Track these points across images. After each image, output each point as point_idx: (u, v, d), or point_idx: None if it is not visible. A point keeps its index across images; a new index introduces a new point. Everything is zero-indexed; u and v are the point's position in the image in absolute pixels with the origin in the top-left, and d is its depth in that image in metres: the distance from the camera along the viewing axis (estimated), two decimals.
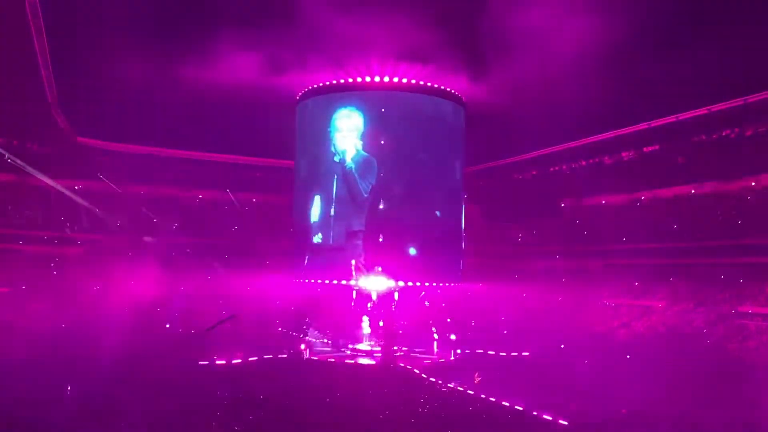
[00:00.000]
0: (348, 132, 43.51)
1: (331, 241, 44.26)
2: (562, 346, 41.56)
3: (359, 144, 43.29)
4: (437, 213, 44.44)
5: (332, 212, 44.04)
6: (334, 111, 44.16)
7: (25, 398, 23.18)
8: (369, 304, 44.56)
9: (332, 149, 43.87)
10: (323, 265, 44.31)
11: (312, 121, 46.50)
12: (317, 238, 45.00)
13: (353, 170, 43.10)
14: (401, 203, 43.22)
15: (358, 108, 43.64)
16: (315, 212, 45.10)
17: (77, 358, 30.83)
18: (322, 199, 44.73)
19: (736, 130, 43.88)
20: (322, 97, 45.34)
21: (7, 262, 45.93)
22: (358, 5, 41.72)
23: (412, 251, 43.02)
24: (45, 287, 44.74)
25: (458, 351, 42.00)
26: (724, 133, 44.74)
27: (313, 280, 44.88)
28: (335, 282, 43.31)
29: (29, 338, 33.89)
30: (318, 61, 44.65)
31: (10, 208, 49.94)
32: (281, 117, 49.83)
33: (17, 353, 30.14)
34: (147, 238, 52.77)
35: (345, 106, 43.87)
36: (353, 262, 42.29)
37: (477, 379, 31.21)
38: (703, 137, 45.74)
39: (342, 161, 43.37)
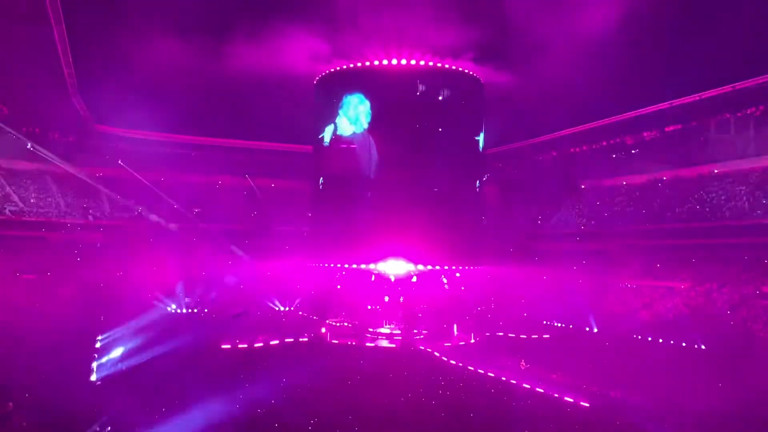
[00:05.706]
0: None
1: None
2: (592, 329, 41.38)
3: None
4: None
5: None
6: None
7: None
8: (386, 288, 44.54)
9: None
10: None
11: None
12: None
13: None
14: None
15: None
16: None
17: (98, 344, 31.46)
18: None
19: (761, 107, 42.91)
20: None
21: (32, 250, 46.65)
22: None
23: None
24: (69, 273, 45.33)
25: (476, 334, 41.96)
26: (748, 111, 43.78)
27: (332, 264, 44.89)
28: (354, 266, 43.32)
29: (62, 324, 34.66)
30: (340, 47, 44.53)
31: (33, 196, 50.57)
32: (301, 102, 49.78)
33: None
34: (168, 224, 53.20)
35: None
36: None
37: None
38: (727, 115, 44.84)
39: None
